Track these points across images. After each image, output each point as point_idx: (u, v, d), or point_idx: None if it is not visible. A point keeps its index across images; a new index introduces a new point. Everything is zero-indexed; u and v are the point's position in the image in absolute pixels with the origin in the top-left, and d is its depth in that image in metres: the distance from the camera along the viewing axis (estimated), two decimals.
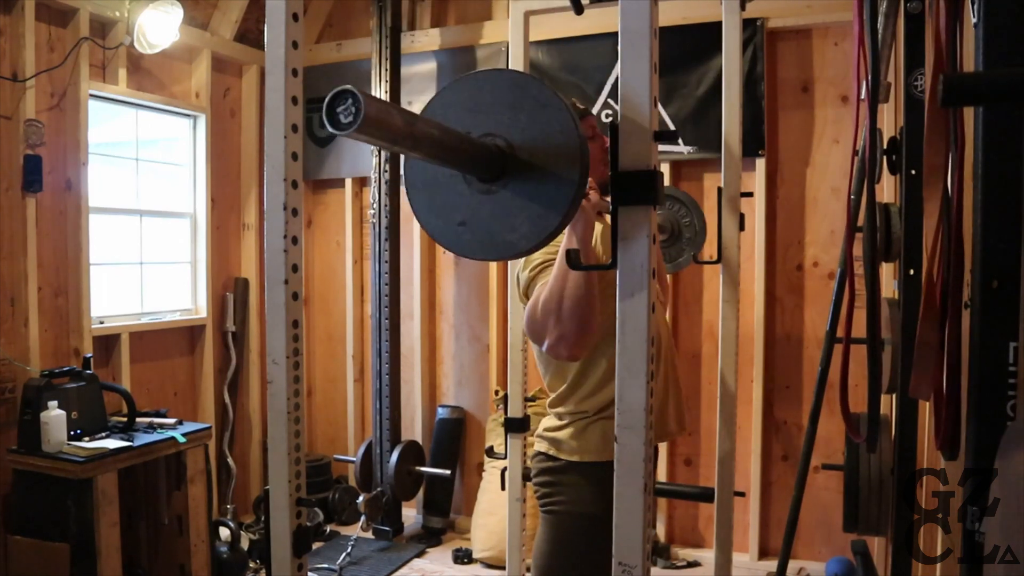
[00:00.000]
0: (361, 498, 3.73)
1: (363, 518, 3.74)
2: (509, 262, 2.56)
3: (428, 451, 4.11)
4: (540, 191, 1.06)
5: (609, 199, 1.04)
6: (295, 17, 1.42)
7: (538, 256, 1.71)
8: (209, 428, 3.30)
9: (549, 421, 1.86)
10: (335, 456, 4.27)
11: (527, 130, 1.07)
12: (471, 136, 1.09)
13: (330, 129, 0.87)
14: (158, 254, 3.93)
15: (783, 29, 3.49)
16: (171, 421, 3.19)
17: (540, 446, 1.85)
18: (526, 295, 1.74)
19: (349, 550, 3.64)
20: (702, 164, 3.63)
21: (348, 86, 0.87)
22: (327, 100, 0.87)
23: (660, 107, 3.58)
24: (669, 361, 1.85)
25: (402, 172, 1.21)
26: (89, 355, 3.21)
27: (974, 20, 0.97)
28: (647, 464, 1.05)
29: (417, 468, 3.90)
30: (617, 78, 1.35)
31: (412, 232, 4.15)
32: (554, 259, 1.65)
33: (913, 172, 1.62)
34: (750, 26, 3.36)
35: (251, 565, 3.57)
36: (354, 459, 3.95)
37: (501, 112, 1.08)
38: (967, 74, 1.05)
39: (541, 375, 1.89)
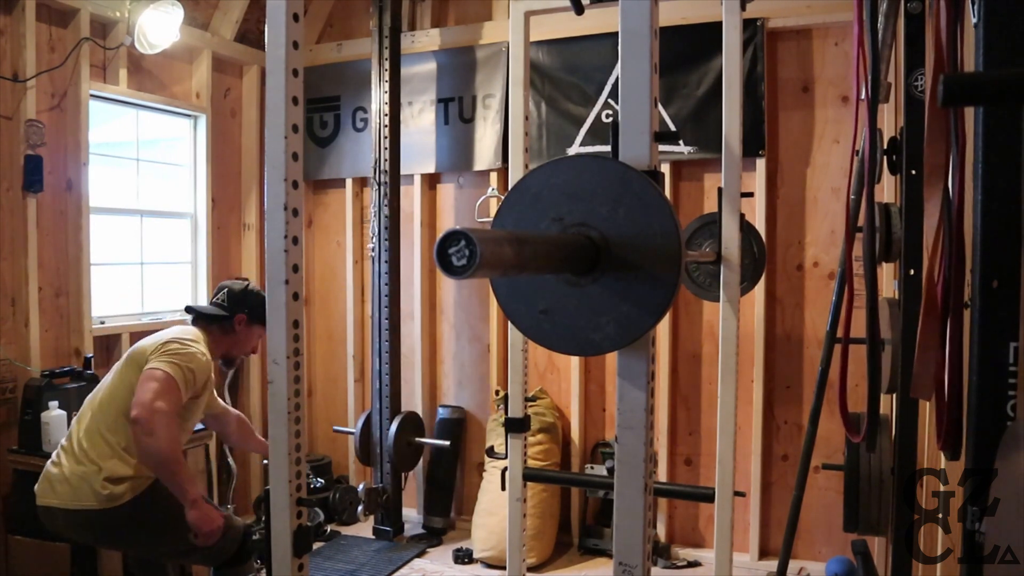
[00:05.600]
0: (362, 486, 3.72)
1: (361, 507, 3.70)
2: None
3: (428, 451, 4.11)
4: (632, 292, 1.00)
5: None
6: (295, 18, 1.43)
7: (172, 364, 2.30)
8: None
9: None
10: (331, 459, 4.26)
11: (624, 227, 1.01)
12: (565, 232, 1.04)
13: (441, 271, 0.83)
14: (159, 254, 3.93)
15: (783, 29, 3.49)
16: None
17: None
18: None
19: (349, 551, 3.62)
20: (702, 164, 3.63)
21: (460, 228, 0.82)
22: (439, 241, 0.82)
23: (660, 107, 3.58)
24: None
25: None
26: (90, 355, 3.21)
27: (974, 20, 0.97)
28: (647, 464, 1.05)
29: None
30: (617, 78, 1.35)
31: (412, 232, 4.15)
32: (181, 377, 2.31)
33: (913, 172, 1.62)
34: (750, 26, 3.36)
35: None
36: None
37: (600, 203, 1.02)
38: (967, 74, 1.05)
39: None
